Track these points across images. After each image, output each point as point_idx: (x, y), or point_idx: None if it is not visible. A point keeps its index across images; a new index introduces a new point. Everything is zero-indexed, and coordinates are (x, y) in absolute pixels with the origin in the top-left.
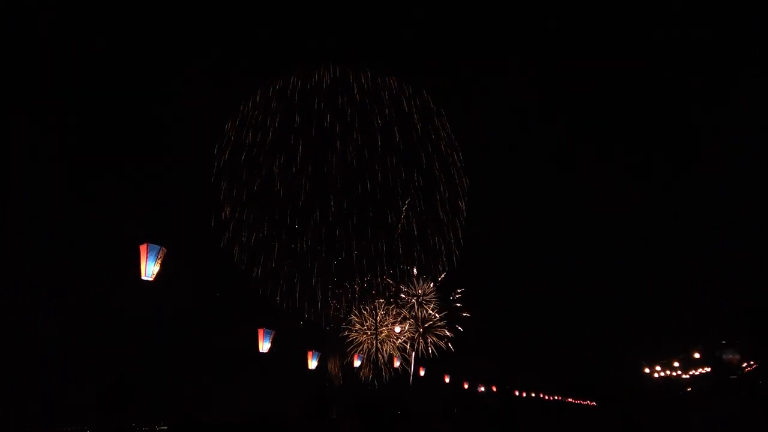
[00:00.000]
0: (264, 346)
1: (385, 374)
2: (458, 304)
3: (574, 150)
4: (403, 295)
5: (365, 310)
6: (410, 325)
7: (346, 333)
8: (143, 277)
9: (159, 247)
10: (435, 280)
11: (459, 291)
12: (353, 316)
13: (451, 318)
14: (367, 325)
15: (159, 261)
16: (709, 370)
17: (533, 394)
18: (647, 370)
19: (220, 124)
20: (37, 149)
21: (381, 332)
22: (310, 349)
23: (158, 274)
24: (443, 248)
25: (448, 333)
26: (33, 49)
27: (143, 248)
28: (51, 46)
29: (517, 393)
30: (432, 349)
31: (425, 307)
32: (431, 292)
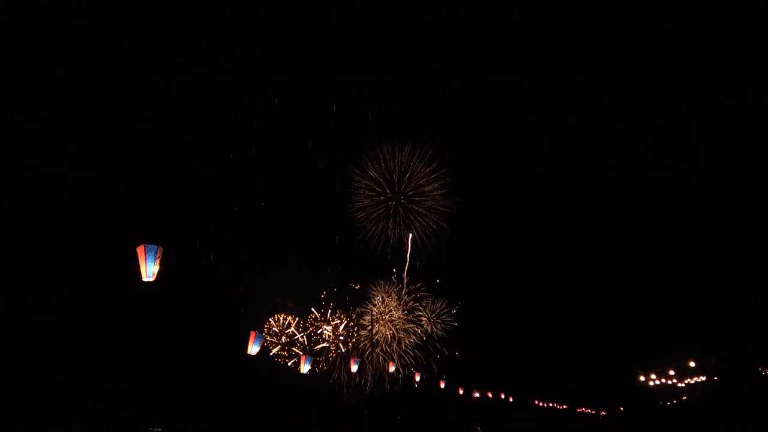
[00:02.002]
0: (253, 348)
1: (369, 384)
2: (455, 324)
3: (569, 161)
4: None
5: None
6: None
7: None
8: (144, 279)
9: (156, 247)
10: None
11: (456, 306)
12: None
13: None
14: (340, 332)
15: (158, 260)
16: (704, 379)
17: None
18: (642, 378)
19: (216, 127)
20: (32, 152)
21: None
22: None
23: (159, 273)
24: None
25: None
26: (29, 50)
27: (140, 250)
28: (50, 47)
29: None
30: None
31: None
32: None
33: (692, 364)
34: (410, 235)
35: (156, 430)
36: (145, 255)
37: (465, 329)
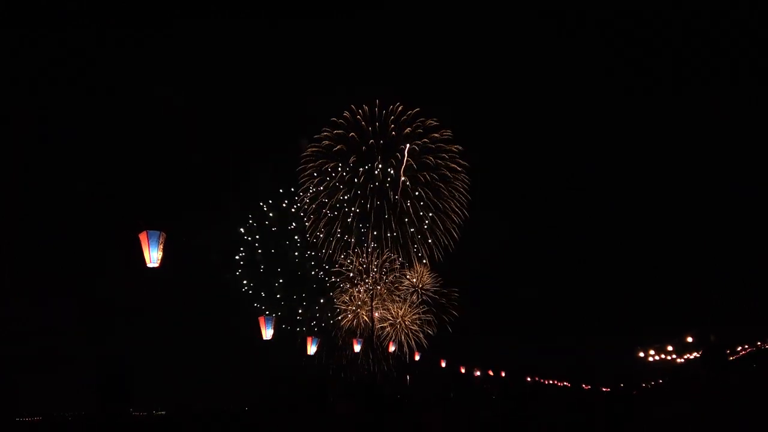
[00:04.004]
0: (267, 333)
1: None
2: (454, 313)
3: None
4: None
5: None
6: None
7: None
8: (149, 265)
9: (159, 233)
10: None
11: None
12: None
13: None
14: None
15: (161, 246)
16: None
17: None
18: (641, 354)
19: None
20: (32, 152)
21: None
22: (309, 335)
23: (162, 259)
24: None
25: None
26: (29, 49)
27: (143, 236)
28: (49, 47)
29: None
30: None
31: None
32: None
33: (690, 339)
34: (407, 146)
35: (159, 413)
36: (148, 241)
37: (466, 320)
